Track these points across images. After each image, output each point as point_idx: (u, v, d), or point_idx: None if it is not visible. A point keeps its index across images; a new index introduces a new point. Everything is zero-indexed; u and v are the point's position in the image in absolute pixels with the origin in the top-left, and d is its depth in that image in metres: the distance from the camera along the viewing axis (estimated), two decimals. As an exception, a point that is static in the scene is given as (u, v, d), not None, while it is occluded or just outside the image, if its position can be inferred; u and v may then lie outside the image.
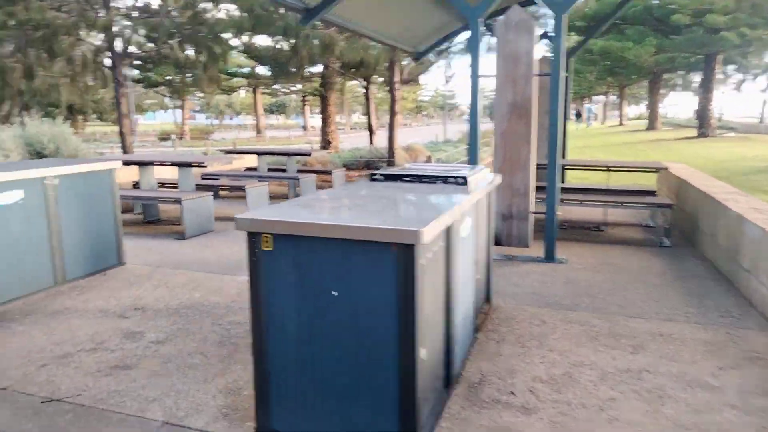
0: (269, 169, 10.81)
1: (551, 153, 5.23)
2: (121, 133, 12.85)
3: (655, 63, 26.49)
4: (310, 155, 11.11)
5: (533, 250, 5.54)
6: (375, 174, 3.60)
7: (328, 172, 10.59)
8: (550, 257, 5.31)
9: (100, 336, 3.64)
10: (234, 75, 23.74)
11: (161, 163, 7.22)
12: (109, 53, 12.99)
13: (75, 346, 3.48)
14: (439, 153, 16.06)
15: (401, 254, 2.13)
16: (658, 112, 36.25)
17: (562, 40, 5.08)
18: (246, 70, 27.50)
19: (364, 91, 16.56)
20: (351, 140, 31.25)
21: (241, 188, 7.96)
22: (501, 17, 5.31)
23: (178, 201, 6.51)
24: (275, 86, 39.72)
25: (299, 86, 38.65)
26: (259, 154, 10.45)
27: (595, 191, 6.89)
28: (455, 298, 2.85)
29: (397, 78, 12.62)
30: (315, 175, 9.83)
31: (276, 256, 2.33)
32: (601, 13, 20.61)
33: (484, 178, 3.75)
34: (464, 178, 3.36)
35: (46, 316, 4.01)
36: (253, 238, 2.35)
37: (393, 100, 12.66)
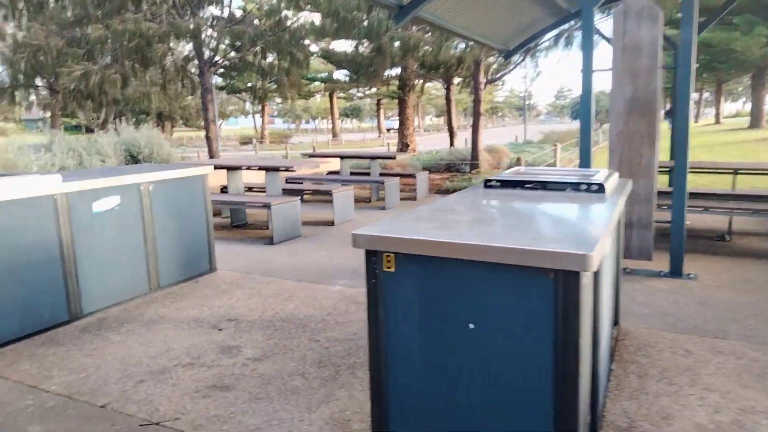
0: (351, 173, 10.63)
1: (678, 154, 4.62)
2: (208, 138, 13.14)
3: (761, 56, 24.24)
4: (394, 158, 10.84)
5: (655, 263, 4.93)
6: (490, 180, 3.20)
7: (412, 176, 10.27)
8: (676, 272, 4.69)
9: (196, 349, 3.47)
10: (313, 80, 24.01)
11: (249, 168, 7.16)
12: (196, 61, 13.36)
13: (171, 360, 3.32)
14: (524, 155, 15.36)
15: (562, 283, 1.73)
16: (763, 109, 33.30)
17: (693, 27, 4.47)
18: (323, 75, 27.84)
19: (445, 92, 16.14)
20: (425, 142, 30.90)
21: (324, 192, 7.78)
22: (619, 5, 4.76)
23: (266, 206, 6.39)
24: (351, 90, 40.11)
25: (374, 89, 38.84)
26: (342, 157, 10.28)
27: (720, 197, 6.12)
28: (600, 327, 2.41)
29: (482, 78, 12.12)
30: (398, 178, 9.53)
31: (399, 278, 2.00)
32: (706, 5, 19.03)
33: (617, 184, 3.26)
34: (600, 184, 2.89)
35: (142, 325, 3.91)
36: (373, 257, 2.02)
37: (477, 101, 12.16)
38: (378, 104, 47.96)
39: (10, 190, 3.55)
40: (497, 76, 14.15)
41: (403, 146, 19.75)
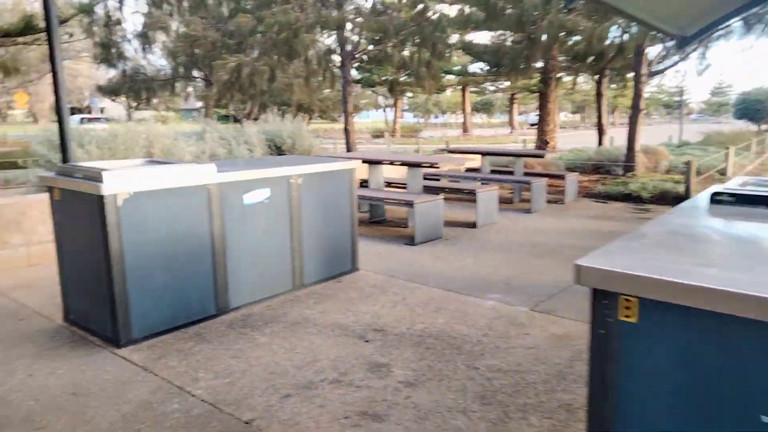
0: (491, 171, 10.00)
1: None
2: (346, 131, 13.20)
3: None
4: (543, 157, 10.03)
5: None
6: (719, 193, 2.49)
7: (560, 177, 9.40)
8: None
9: (342, 363, 3.15)
10: (449, 73, 23.52)
11: (393, 163, 6.85)
12: (338, 53, 13.47)
13: (317, 373, 3.03)
14: (686, 158, 13.64)
15: None
16: None
17: None
18: (457, 68, 27.22)
19: (595, 85, 14.83)
20: (561, 140, 29.07)
21: (463, 191, 7.27)
22: None
23: (409, 204, 6.03)
24: (484, 84, 39.00)
25: (509, 83, 37.37)
26: (482, 154, 9.69)
27: None
28: None
29: (643, 70, 10.83)
30: (546, 179, 8.74)
31: (644, 333, 1.44)
32: None
33: None
34: None
35: (286, 327, 3.70)
36: (604, 299, 1.48)
37: (638, 96, 10.87)
38: (512, 99, 46.32)
39: (169, 178, 3.48)
40: (662, 68, 12.62)
41: (542, 144, 18.62)
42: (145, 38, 21.33)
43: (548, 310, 4.03)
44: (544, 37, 12.12)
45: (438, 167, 6.38)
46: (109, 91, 23.09)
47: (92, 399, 2.70)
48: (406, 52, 14.50)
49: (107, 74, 24.77)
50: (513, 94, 43.35)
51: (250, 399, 2.74)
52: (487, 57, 16.07)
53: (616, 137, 17.65)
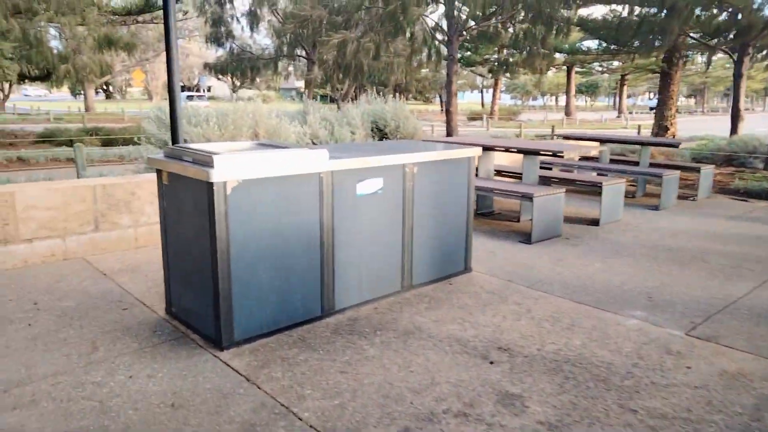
0: (611, 160, 9.05)
1: None
2: (448, 112, 12.60)
3: None
4: (678, 146, 8.93)
5: None
6: None
7: (693, 169, 8.30)
8: None
9: (466, 389, 2.70)
10: (560, 51, 22.05)
11: (508, 150, 6.24)
12: (444, 30, 12.81)
13: (438, 401, 2.59)
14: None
15: None
16: None
17: None
18: (565, 46, 25.52)
19: (734, 65, 13.13)
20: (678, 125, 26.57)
21: (581, 182, 6.50)
22: None
23: (527, 197, 5.42)
24: (593, 64, 36.62)
25: (617, 63, 34.85)
26: (602, 141, 8.78)
27: None
28: None
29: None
30: (678, 171, 7.72)
31: None
32: None
33: None
34: None
35: (397, 336, 3.30)
36: None
37: (792, 77, 9.37)
38: (622, 80, 43.19)
39: (281, 164, 3.15)
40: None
41: (661, 130, 17.00)
42: (253, 16, 21.77)
43: (709, 336, 3.33)
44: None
45: (562, 156, 5.69)
46: (217, 69, 23.90)
47: (192, 414, 2.43)
48: (512, 29, 13.58)
49: (216, 53, 25.70)
50: (624, 75, 40.36)
51: (365, 430, 2.36)
52: (605, 33, 14.71)
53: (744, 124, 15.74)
